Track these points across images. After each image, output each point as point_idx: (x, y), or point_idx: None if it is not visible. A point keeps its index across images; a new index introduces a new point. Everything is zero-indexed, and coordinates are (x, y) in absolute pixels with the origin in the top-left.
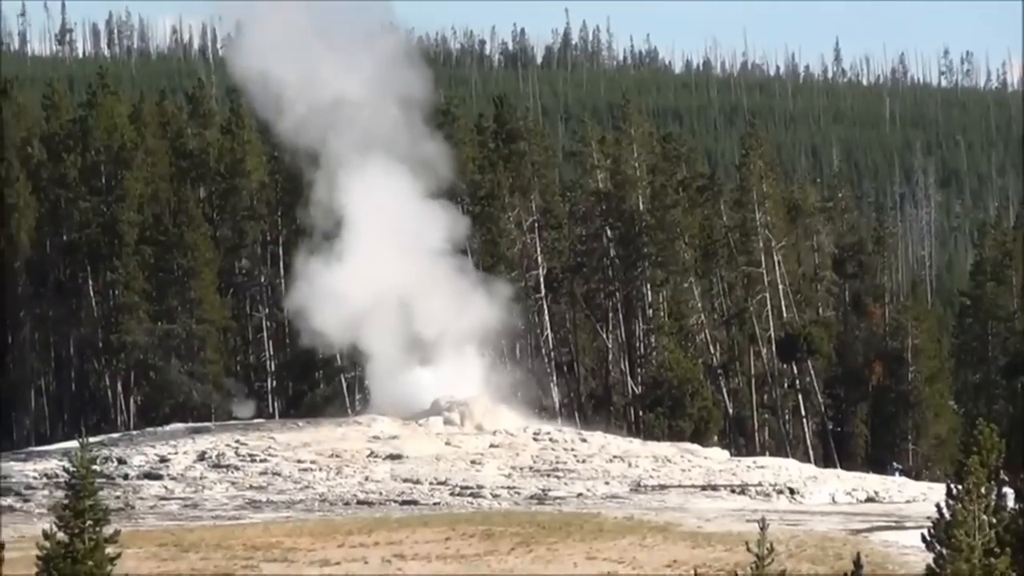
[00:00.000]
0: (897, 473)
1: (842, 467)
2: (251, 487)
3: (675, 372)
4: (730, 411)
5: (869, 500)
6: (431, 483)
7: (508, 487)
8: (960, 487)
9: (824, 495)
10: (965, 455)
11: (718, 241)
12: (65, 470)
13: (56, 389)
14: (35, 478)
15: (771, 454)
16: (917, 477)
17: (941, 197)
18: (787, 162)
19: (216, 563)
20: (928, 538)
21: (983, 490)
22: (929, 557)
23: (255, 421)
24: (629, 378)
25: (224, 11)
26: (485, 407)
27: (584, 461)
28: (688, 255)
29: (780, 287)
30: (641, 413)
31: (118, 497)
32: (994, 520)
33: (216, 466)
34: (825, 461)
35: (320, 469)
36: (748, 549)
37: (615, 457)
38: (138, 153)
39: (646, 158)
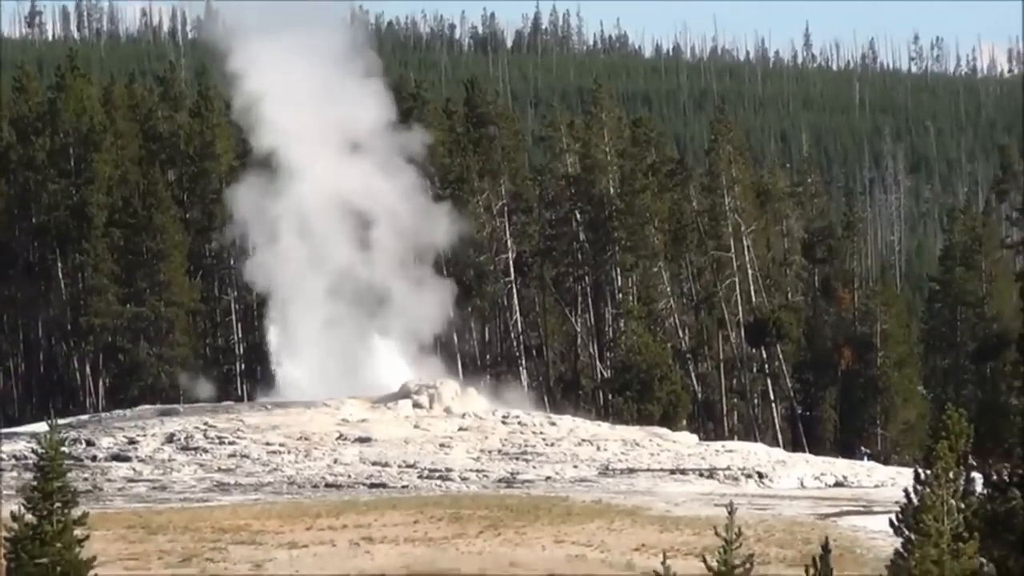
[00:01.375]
0: (866, 458)
1: (811, 452)
2: (219, 469)
3: (644, 356)
4: (699, 395)
5: (837, 485)
6: (400, 466)
7: (477, 470)
8: (928, 472)
9: (793, 480)
10: (934, 440)
11: (687, 226)
12: (34, 452)
13: (25, 371)
14: (3, 460)
15: (740, 438)
16: (886, 462)
17: (910, 182)
18: (757, 147)
19: (184, 545)
20: (896, 523)
21: (951, 475)
22: (897, 542)
23: (224, 404)
24: (598, 362)
25: None
26: (454, 390)
27: (553, 445)
28: (657, 239)
29: (749, 272)
30: (610, 397)
31: (86, 479)
32: (962, 505)
33: (185, 448)
34: (794, 445)
35: (289, 452)
36: (716, 533)
37: (584, 441)
38: (107, 136)
39: (616, 143)
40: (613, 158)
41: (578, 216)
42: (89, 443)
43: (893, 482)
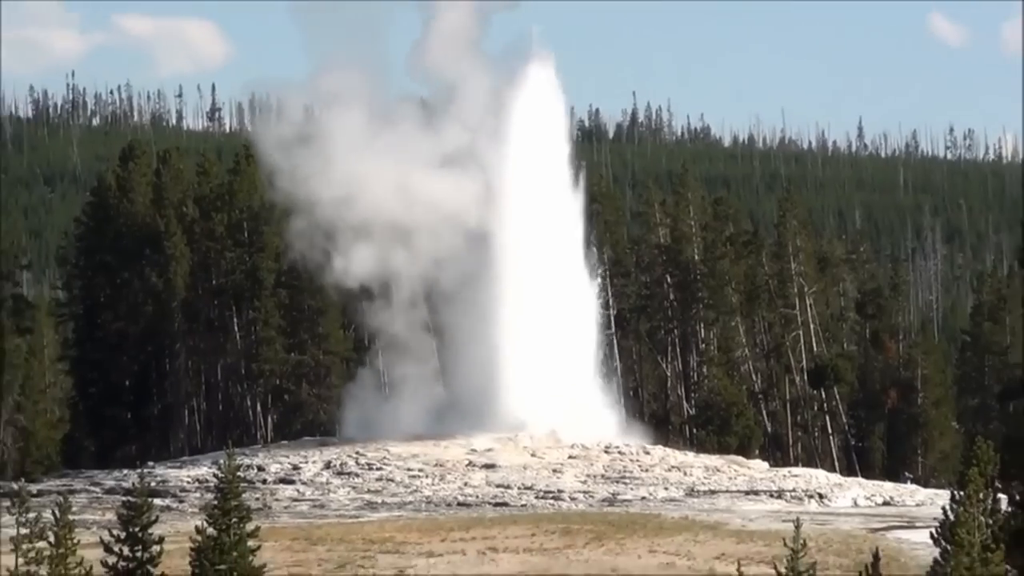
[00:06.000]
0: (909, 482)
1: (863, 476)
2: (369, 491)
3: (723, 396)
4: (769, 429)
5: (885, 504)
6: (519, 488)
7: (584, 492)
8: (961, 493)
9: (848, 500)
10: (966, 467)
11: (760, 287)
12: (214, 476)
13: (206, 409)
14: (188, 483)
15: (803, 465)
16: (926, 485)
17: (946, 251)
18: (818, 221)
19: (340, 554)
20: (935, 536)
21: (981, 496)
22: (936, 551)
23: (372, 436)
24: (685, 401)
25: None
26: (565, 425)
27: (647, 470)
28: (735, 299)
29: (811, 326)
30: (695, 430)
31: (258, 499)
32: (990, 521)
33: (340, 473)
34: (848, 471)
35: (426, 476)
36: (784, 544)
37: (673, 467)
38: (275, 212)
39: (700, 217)
40: (697, 231)
41: (668, 279)
42: (260, 469)
43: (932, 502)
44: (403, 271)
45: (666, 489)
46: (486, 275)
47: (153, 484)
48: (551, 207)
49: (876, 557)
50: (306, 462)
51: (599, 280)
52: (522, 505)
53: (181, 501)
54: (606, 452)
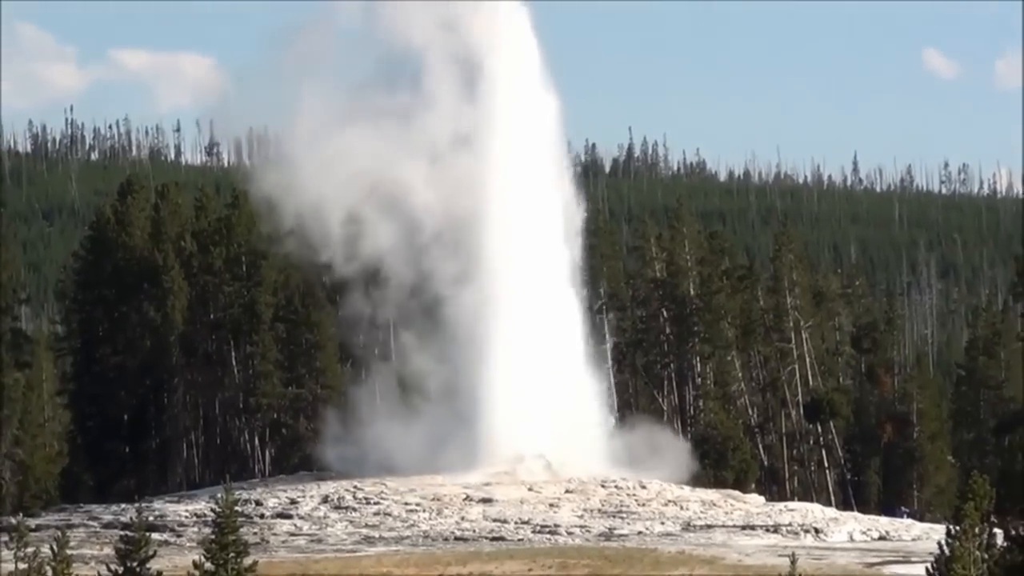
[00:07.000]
0: (905, 516)
1: (859, 510)
2: (366, 525)
3: (719, 430)
4: (765, 463)
5: (881, 538)
6: (516, 522)
7: (580, 526)
8: (957, 528)
9: (844, 534)
10: (962, 501)
11: (756, 321)
12: (212, 510)
13: (204, 442)
14: (186, 517)
15: (799, 499)
16: (921, 519)
17: (941, 286)
18: (813, 256)
19: None
20: (931, 571)
21: (976, 531)
22: None
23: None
24: (681, 435)
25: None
26: (561, 459)
27: (644, 504)
28: (731, 333)
29: (807, 360)
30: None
31: (255, 533)
32: (986, 556)
33: (337, 507)
34: (844, 505)
35: (424, 510)
36: None
37: (669, 501)
38: (272, 246)
39: (695, 252)
40: (693, 265)
41: (664, 313)
42: (258, 503)
43: (928, 536)
44: (391, 298)
45: (662, 523)
46: (480, 307)
47: (151, 518)
48: (545, 239)
49: None
50: (304, 496)
51: (595, 314)
52: (519, 539)
53: (179, 535)
54: (603, 486)
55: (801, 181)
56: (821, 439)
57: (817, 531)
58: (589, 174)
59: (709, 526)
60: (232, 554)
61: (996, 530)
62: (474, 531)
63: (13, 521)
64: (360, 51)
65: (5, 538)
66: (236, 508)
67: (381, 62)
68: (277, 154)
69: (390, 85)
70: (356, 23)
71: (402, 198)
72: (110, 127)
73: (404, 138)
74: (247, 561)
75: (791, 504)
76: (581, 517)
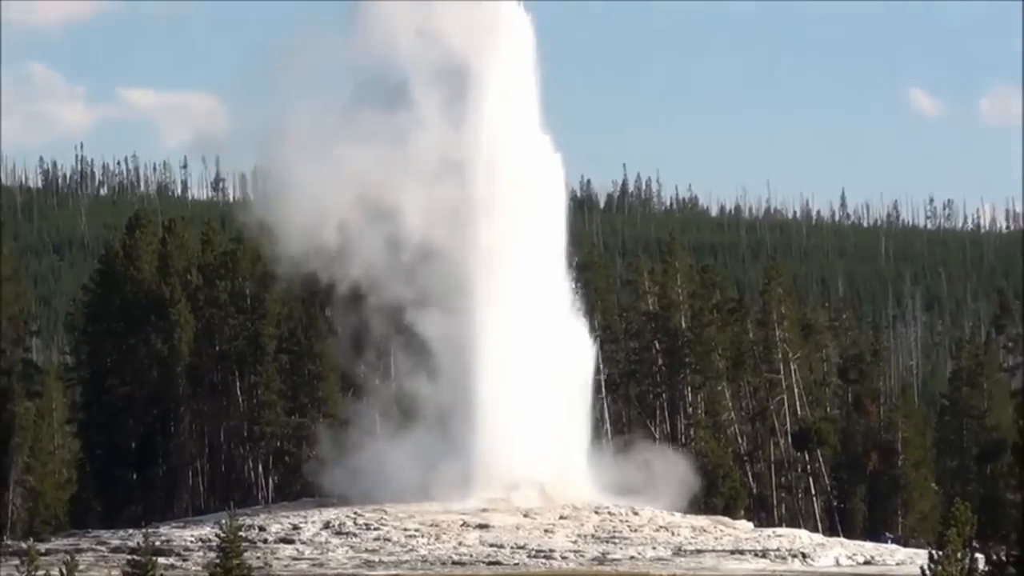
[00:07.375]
0: (889, 541)
1: (845, 536)
2: (366, 550)
3: (710, 458)
4: (754, 490)
5: (867, 563)
6: (512, 547)
7: (574, 551)
8: (940, 553)
9: (830, 559)
10: (944, 527)
11: (745, 353)
12: (216, 535)
13: (209, 470)
14: (192, 542)
15: (787, 525)
16: (906, 545)
17: (926, 318)
18: (802, 289)
19: None
20: None
21: (959, 556)
22: None
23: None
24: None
25: None
26: (556, 486)
27: (636, 530)
28: (721, 364)
29: (795, 390)
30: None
31: (259, 558)
32: None
33: (338, 533)
34: (831, 531)
35: (423, 536)
36: None
37: (661, 527)
38: (276, 280)
39: (687, 286)
40: (685, 298)
41: (657, 345)
42: (261, 529)
43: (912, 561)
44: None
45: (654, 548)
46: (471, 334)
47: (157, 543)
48: (541, 267)
49: None
50: (306, 522)
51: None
52: (515, 564)
53: (185, 560)
54: (596, 513)
55: (790, 216)
56: (808, 467)
57: (804, 556)
58: (584, 209)
59: (699, 551)
60: None
61: (978, 555)
62: (471, 555)
63: (24, 546)
64: (346, 73)
65: (16, 562)
66: (240, 533)
67: (366, 84)
68: (267, 178)
69: (378, 105)
70: (340, 48)
71: (392, 218)
72: (119, 163)
73: (395, 159)
74: None
75: (779, 530)
76: (575, 542)
